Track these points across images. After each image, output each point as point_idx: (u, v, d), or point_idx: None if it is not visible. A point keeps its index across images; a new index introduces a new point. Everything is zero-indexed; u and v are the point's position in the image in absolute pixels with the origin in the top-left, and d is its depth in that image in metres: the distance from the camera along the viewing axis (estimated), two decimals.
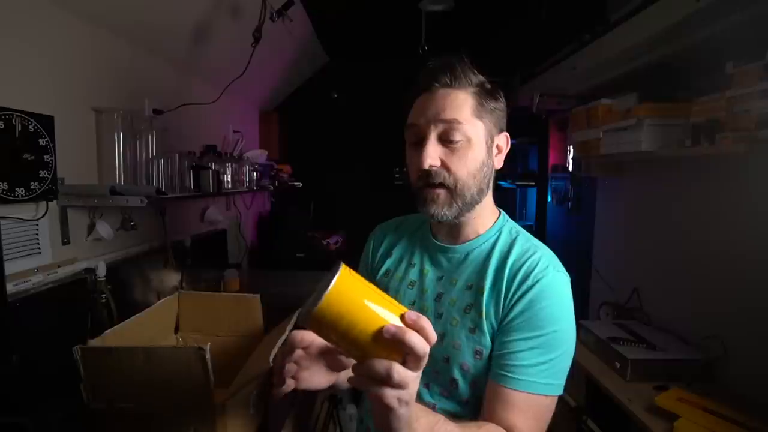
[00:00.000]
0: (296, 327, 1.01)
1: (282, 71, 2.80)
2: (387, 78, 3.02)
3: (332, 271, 0.50)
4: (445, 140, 0.71)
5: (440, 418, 0.59)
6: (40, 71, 1.13)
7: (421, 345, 0.46)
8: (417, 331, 0.47)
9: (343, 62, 3.26)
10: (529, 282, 0.69)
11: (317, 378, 0.63)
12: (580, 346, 1.67)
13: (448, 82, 0.72)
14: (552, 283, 0.70)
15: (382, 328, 0.47)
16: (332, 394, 1.52)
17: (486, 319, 0.71)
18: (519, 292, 0.69)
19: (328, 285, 0.47)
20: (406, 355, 0.47)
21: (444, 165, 0.71)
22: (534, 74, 2.42)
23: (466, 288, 0.75)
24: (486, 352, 0.71)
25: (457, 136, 0.70)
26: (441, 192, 0.71)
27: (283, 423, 1.09)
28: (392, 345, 0.47)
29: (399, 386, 0.46)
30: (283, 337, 0.95)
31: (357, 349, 0.49)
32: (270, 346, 0.94)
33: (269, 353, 0.88)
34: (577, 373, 1.54)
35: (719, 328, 1.42)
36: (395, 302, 0.51)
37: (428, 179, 0.71)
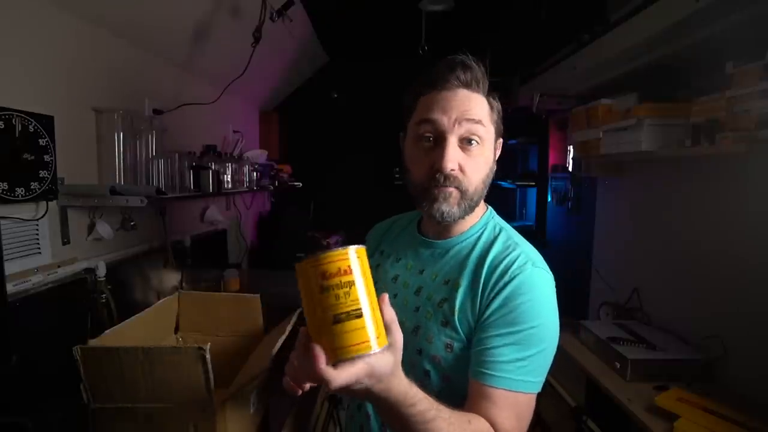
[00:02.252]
0: (296, 327, 1.01)
1: (282, 71, 2.80)
2: (387, 78, 3.02)
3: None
4: (464, 141, 0.70)
5: (438, 406, 0.59)
6: (40, 71, 1.13)
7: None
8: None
9: (343, 62, 3.26)
10: (506, 278, 0.69)
11: None
12: (580, 346, 1.67)
13: (468, 83, 0.71)
14: (530, 279, 0.69)
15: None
16: (332, 394, 1.52)
17: (459, 314, 0.71)
18: (496, 289, 0.69)
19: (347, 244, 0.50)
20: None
21: (461, 169, 0.70)
22: (534, 74, 2.42)
23: (444, 283, 0.75)
24: (457, 345, 0.71)
25: (477, 139, 0.70)
26: (453, 191, 0.71)
27: (283, 423, 1.09)
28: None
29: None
30: (283, 337, 0.95)
31: (322, 305, 0.49)
32: (270, 346, 0.94)
33: (269, 353, 0.89)
34: (577, 373, 1.54)
35: (719, 328, 1.42)
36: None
37: (444, 181, 0.70)
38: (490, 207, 0.83)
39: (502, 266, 0.70)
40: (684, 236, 1.63)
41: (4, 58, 1.02)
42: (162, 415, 0.80)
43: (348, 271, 0.49)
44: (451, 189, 0.71)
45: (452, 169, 0.69)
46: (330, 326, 0.48)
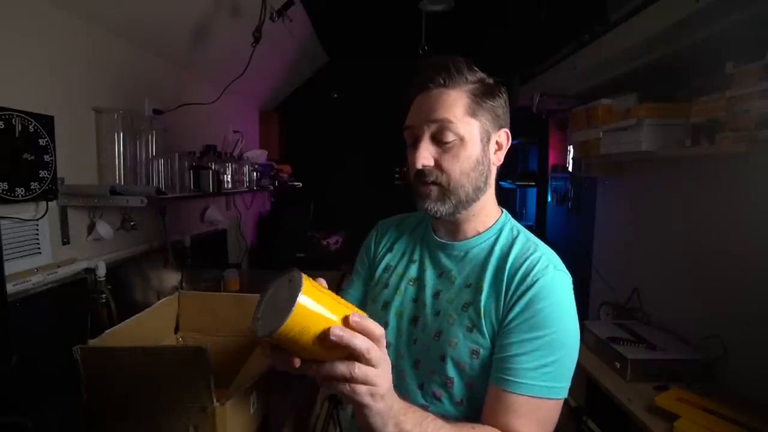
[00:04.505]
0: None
1: (282, 71, 2.80)
2: (387, 78, 3.01)
3: (286, 280, 0.50)
4: (439, 140, 0.72)
5: (429, 415, 0.60)
6: (40, 71, 1.13)
7: (364, 344, 0.50)
8: (361, 332, 0.50)
9: (343, 62, 3.26)
10: (528, 281, 0.68)
11: None
12: (580, 346, 1.67)
13: (442, 82, 0.72)
14: (551, 282, 0.68)
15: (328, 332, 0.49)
16: (332, 394, 1.52)
17: (485, 318, 0.70)
18: (518, 292, 0.69)
19: (292, 300, 0.46)
20: (357, 355, 0.50)
21: (437, 164, 0.72)
22: (534, 74, 2.42)
23: (465, 286, 0.75)
24: (483, 352, 0.70)
25: (450, 136, 0.71)
26: (433, 188, 0.73)
27: (283, 423, 1.09)
28: (343, 348, 0.49)
29: (366, 381, 0.51)
30: None
31: (318, 356, 0.50)
32: None
33: None
34: (577, 373, 1.53)
35: (719, 328, 1.42)
36: (346, 303, 0.53)
37: (422, 178, 0.73)
38: (505, 210, 0.82)
39: (523, 268, 0.70)
40: (684, 236, 1.63)
41: (4, 58, 1.02)
42: (162, 415, 0.80)
43: (311, 318, 0.48)
44: (431, 186, 0.73)
45: (424, 165, 0.72)
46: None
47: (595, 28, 1.71)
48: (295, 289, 0.47)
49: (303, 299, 0.47)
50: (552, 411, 0.68)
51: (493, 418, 0.66)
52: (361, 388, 0.51)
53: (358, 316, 0.51)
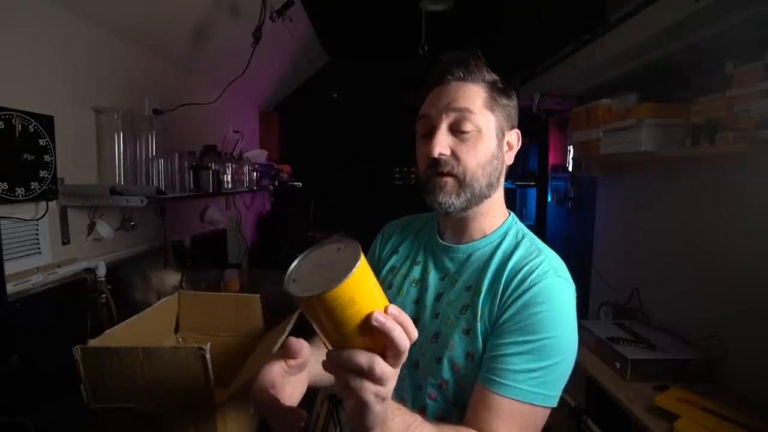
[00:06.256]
0: (295, 329, 1.01)
1: (282, 71, 2.80)
2: (387, 78, 3.03)
3: (334, 249, 0.47)
4: (456, 130, 0.70)
5: (417, 419, 0.57)
6: (40, 71, 1.13)
7: (402, 340, 0.44)
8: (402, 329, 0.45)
9: (343, 62, 3.26)
10: (525, 284, 0.67)
11: (298, 389, 0.59)
12: (580, 347, 1.67)
13: (462, 76, 0.72)
14: (550, 287, 0.67)
15: (370, 316, 0.44)
16: (332, 393, 1.52)
17: (480, 320, 0.69)
18: (515, 294, 0.67)
19: (349, 266, 0.43)
20: (387, 349, 0.45)
21: (454, 154, 0.70)
22: (534, 74, 2.42)
23: (465, 289, 0.74)
24: (477, 356, 0.69)
25: (468, 126, 0.70)
26: (449, 179, 0.71)
27: None
28: (377, 336, 0.44)
29: (379, 381, 0.45)
30: (283, 337, 0.95)
31: (342, 337, 0.46)
32: (270, 346, 0.94)
33: (269, 353, 0.88)
34: (577, 373, 1.53)
35: (719, 328, 1.42)
36: (382, 293, 0.48)
37: (437, 168, 0.71)
38: (512, 213, 0.82)
39: (523, 272, 0.69)
40: (684, 236, 1.63)
41: (4, 58, 1.02)
42: (162, 415, 0.80)
43: (361, 291, 0.44)
44: (447, 178, 0.71)
45: (441, 154, 0.69)
46: (357, 336, 0.46)
47: (595, 28, 1.71)
48: (352, 258, 0.44)
49: (362, 267, 0.43)
50: (535, 419, 0.66)
51: (475, 419, 0.65)
52: (371, 386, 0.45)
53: (397, 309, 0.46)
